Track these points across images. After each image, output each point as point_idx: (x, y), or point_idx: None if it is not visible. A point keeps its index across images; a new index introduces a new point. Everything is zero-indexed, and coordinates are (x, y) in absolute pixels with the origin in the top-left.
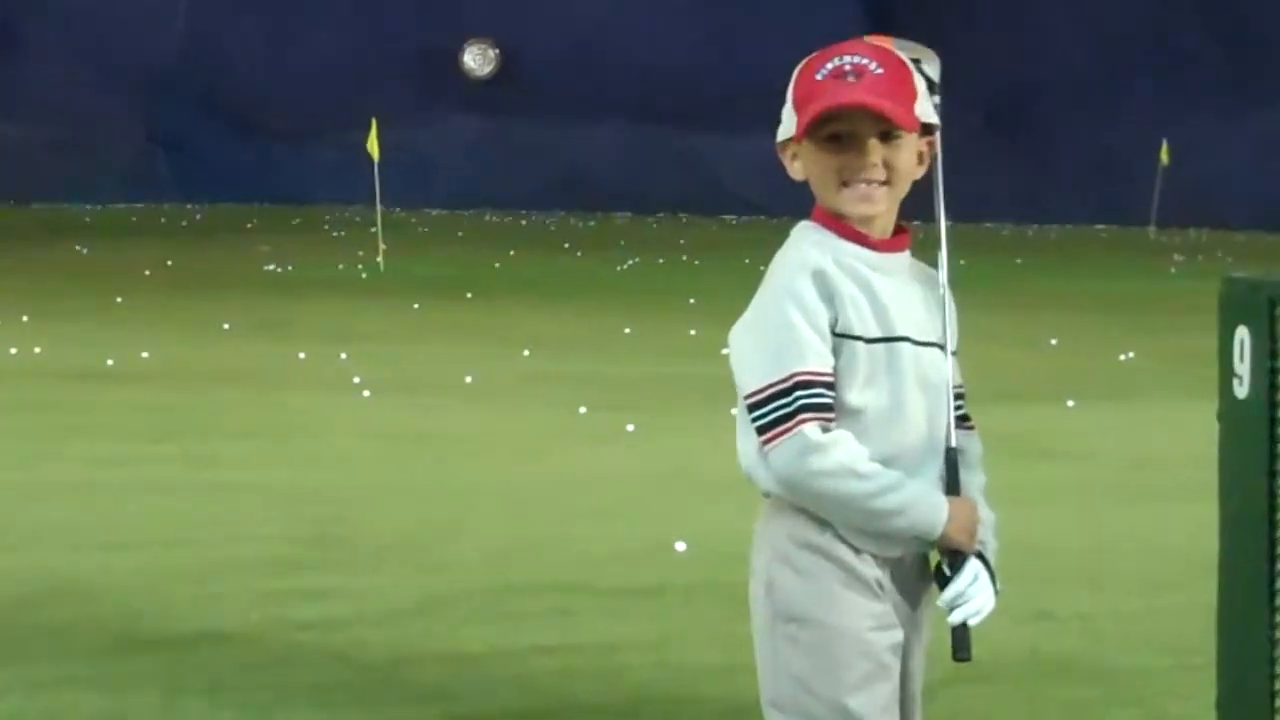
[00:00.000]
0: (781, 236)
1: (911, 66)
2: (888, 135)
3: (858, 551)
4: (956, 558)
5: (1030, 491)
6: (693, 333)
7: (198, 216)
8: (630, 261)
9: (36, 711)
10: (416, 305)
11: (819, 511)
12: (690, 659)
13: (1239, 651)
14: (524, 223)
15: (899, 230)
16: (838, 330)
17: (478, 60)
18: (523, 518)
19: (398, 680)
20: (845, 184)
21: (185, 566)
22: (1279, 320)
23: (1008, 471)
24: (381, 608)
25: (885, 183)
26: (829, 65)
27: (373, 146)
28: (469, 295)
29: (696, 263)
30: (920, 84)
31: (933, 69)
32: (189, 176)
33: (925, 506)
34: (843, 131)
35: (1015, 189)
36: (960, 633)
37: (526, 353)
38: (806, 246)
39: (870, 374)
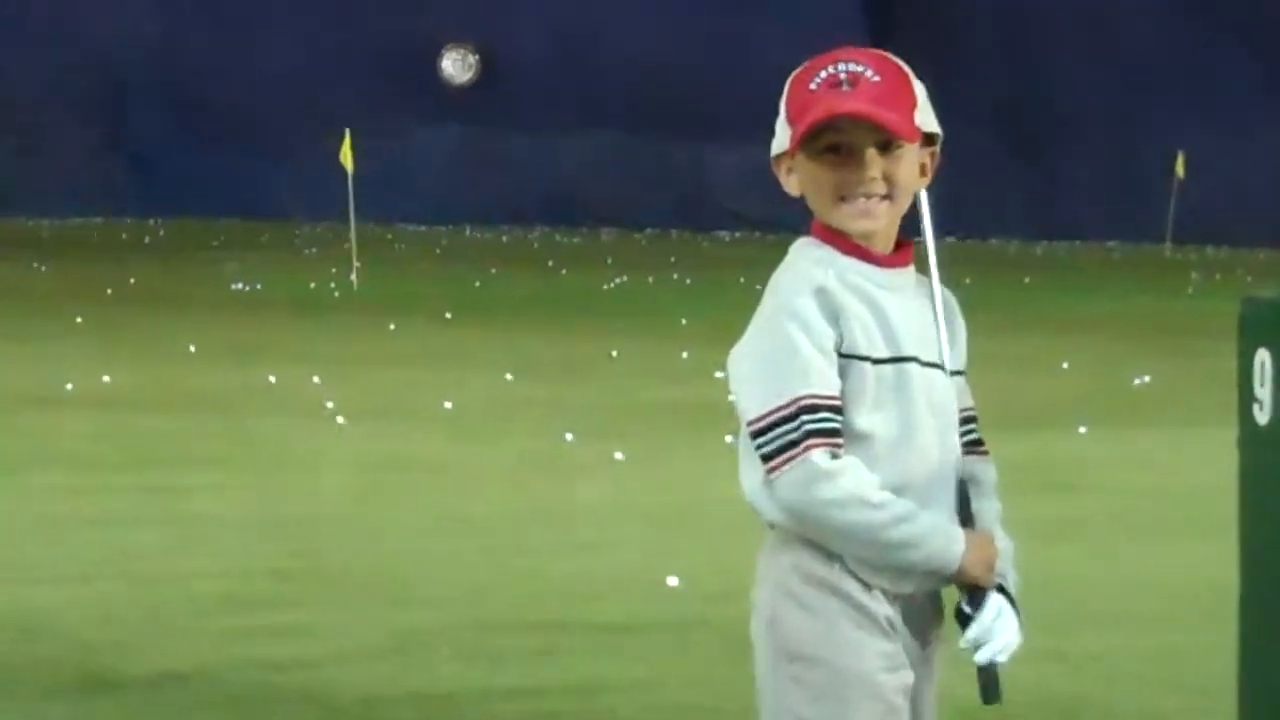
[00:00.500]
0: (779, 253)
1: (910, 73)
2: (887, 146)
3: (868, 587)
4: (976, 593)
5: (1041, 525)
6: (685, 355)
7: (161, 232)
8: (618, 280)
9: None
10: (393, 326)
11: (827, 544)
12: (682, 700)
13: (1262, 693)
14: (506, 239)
15: (901, 245)
16: (843, 350)
17: (457, 66)
18: (504, 551)
19: None
20: (843, 199)
21: (147, 602)
22: None
23: (1017, 503)
24: (353, 645)
25: (885, 196)
26: (823, 74)
27: (346, 158)
28: (448, 315)
29: (688, 281)
30: (920, 91)
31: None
32: (152, 189)
33: (941, 539)
34: (839, 143)
35: (1024, 203)
36: (988, 673)
37: (509, 377)
38: (807, 263)
39: (879, 396)
